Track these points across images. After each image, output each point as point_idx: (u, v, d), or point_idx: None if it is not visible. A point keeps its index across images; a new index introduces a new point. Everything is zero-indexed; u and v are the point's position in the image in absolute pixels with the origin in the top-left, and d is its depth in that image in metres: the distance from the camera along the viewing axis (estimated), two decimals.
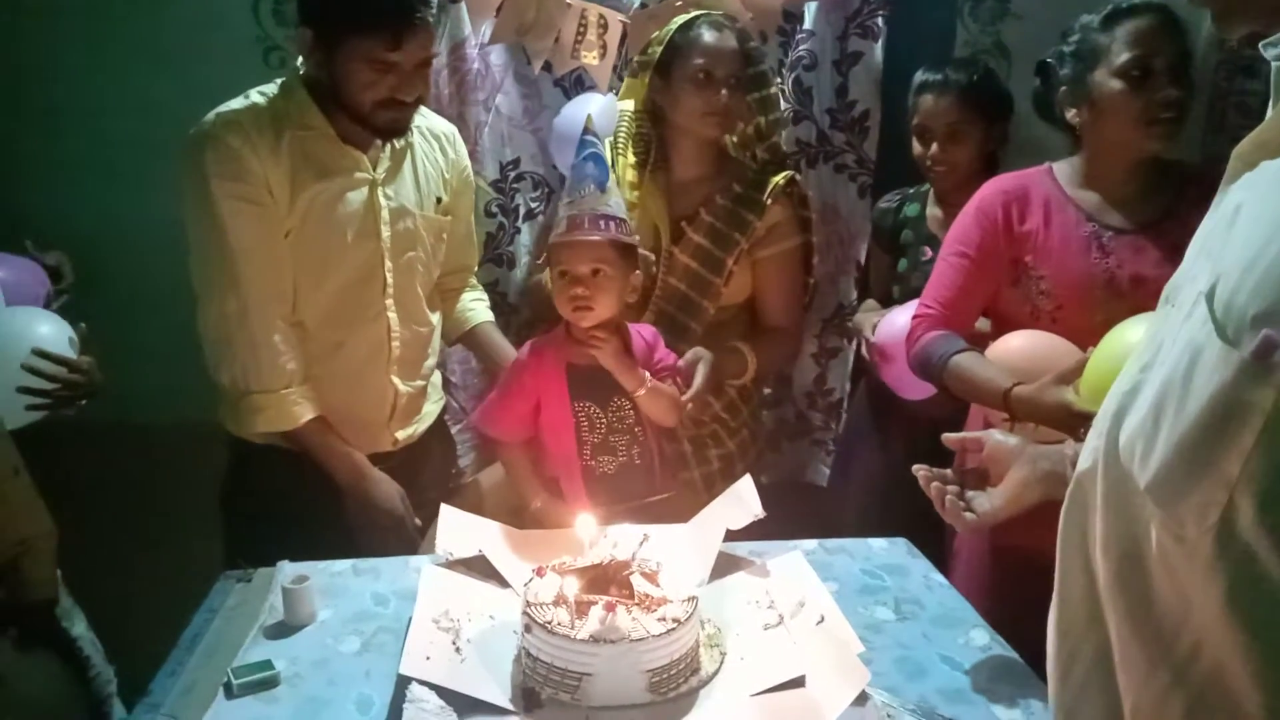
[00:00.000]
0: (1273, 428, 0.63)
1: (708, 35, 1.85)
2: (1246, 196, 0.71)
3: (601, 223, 1.51)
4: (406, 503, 1.74)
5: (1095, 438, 0.80)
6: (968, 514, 1.20)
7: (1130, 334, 1.34)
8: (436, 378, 1.96)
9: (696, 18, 1.89)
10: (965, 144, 2.13)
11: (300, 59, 1.68)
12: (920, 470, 1.24)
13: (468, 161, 1.93)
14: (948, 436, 1.29)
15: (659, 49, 1.89)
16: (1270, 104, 0.75)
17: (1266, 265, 0.65)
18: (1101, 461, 0.78)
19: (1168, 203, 1.63)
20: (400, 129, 1.67)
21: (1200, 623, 0.69)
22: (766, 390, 2.53)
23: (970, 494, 1.21)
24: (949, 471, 1.24)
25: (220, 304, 1.63)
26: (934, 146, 2.14)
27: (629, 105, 2.00)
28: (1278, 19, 0.75)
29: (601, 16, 2.22)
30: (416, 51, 1.58)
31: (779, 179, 1.95)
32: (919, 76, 2.20)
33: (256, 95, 1.66)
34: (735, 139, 2.01)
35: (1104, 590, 0.78)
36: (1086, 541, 0.80)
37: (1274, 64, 0.75)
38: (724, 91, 1.82)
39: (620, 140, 1.95)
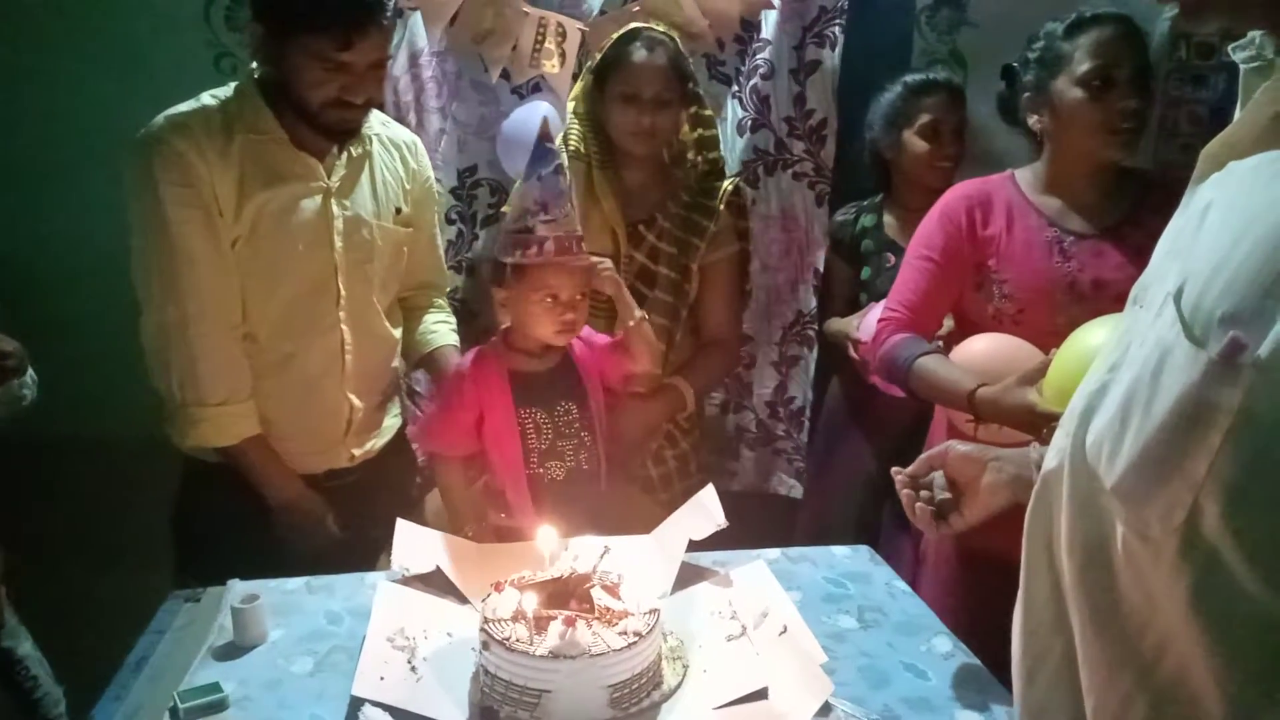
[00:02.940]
0: (1239, 429, 0.63)
1: (638, 54, 1.84)
2: (1215, 197, 0.71)
3: (582, 246, 1.52)
4: (336, 534, 1.70)
5: (1062, 437, 0.80)
6: (938, 521, 1.19)
7: (1092, 336, 1.34)
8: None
9: (636, 32, 1.87)
10: (963, 141, 2.21)
11: (253, 60, 1.64)
12: (897, 474, 1.23)
13: (430, 172, 1.89)
14: (896, 472, 1.26)
15: (598, 56, 1.89)
16: (1238, 105, 0.76)
17: (1234, 266, 0.65)
18: (1068, 461, 0.78)
19: (1128, 208, 1.65)
20: (350, 130, 1.64)
21: (1164, 623, 0.69)
22: (725, 398, 2.53)
23: (940, 500, 1.21)
24: (930, 477, 1.23)
25: (159, 312, 1.59)
26: (949, 144, 2.19)
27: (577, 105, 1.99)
28: (1243, 16, 0.75)
29: (560, 24, 2.21)
30: (368, 52, 1.55)
31: (726, 185, 1.96)
32: (918, 78, 2.24)
33: (208, 98, 1.62)
34: (675, 146, 1.99)
35: (1068, 590, 0.77)
36: (1052, 541, 0.80)
37: (1242, 66, 0.75)
38: (650, 112, 1.82)
39: (572, 143, 1.94)
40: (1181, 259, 0.71)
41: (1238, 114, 0.75)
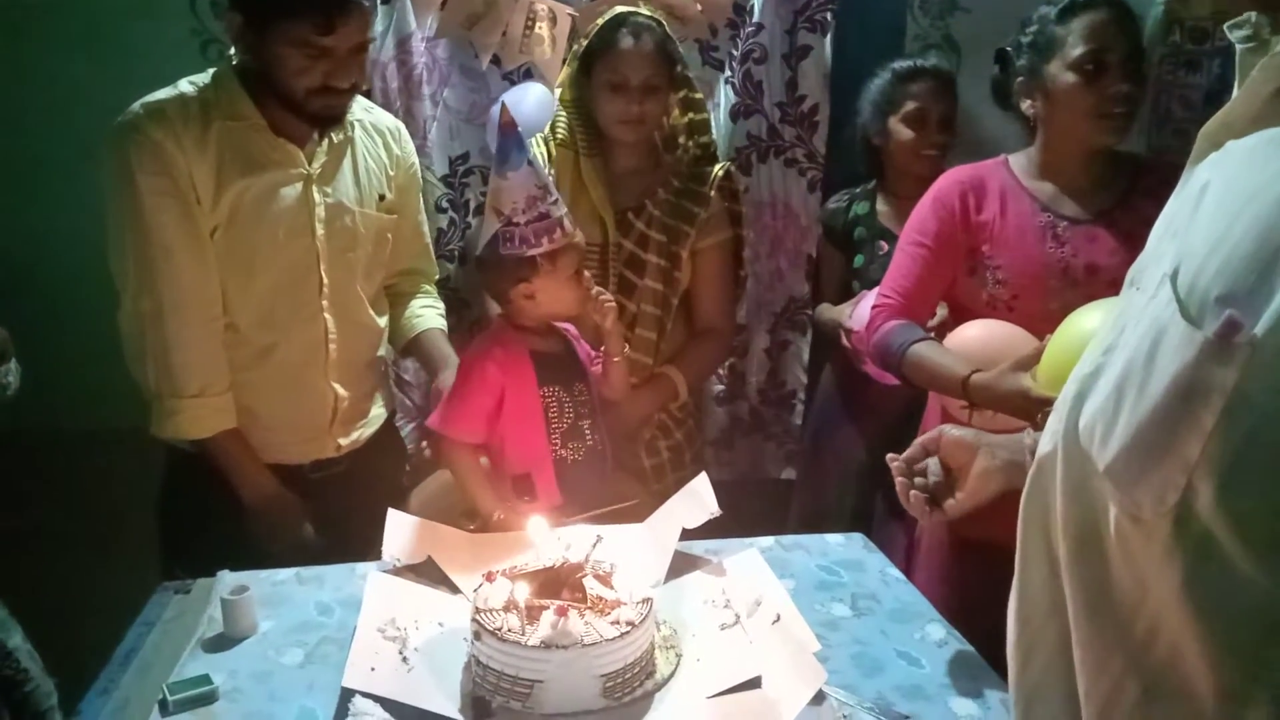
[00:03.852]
0: (1233, 409, 0.62)
1: (625, 41, 1.81)
2: (1213, 177, 0.70)
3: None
4: (310, 535, 1.69)
5: (1056, 421, 0.80)
6: (932, 507, 1.19)
7: (1086, 320, 1.34)
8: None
9: (622, 17, 1.85)
10: (952, 129, 2.19)
11: (233, 48, 1.62)
12: (892, 460, 1.22)
13: (415, 157, 1.87)
14: (891, 458, 1.25)
15: (585, 42, 1.86)
16: (1235, 85, 0.75)
17: (1231, 246, 0.64)
18: (1061, 445, 0.77)
19: (1121, 193, 1.64)
20: (336, 117, 1.62)
21: (1156, 607, 0.69)
22: (720, 387, 2.52)
23: (933, 485, 1.20)
24: (925, 462, 1.22)
25: (136, 302, 1.58)
26: (933, 133, 2.17)
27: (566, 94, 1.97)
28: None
29: (550, 10, 2.19)
30: (350, 36, 1.53)
31: (717, 170, 1.94)
32: (905, 65, 2.22)
33: (186, 85, 1.60)
34: (665, 129, 1.96)
35: (1063, 574, 0.77)
36: (1048, 526, 0.79)
37: (1238, 45, 0.75)
38: (638, 100, 1.80)
39: (560, 130, 1.92)
40: (1178, 240, 0.71)
41: (1235, 93, 0.74)
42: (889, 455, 1.24)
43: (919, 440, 1.24)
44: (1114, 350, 0.74)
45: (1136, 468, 0.68)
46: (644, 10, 1.91)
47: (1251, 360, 0.61)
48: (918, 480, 1.20)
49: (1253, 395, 0.62)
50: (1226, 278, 0.64)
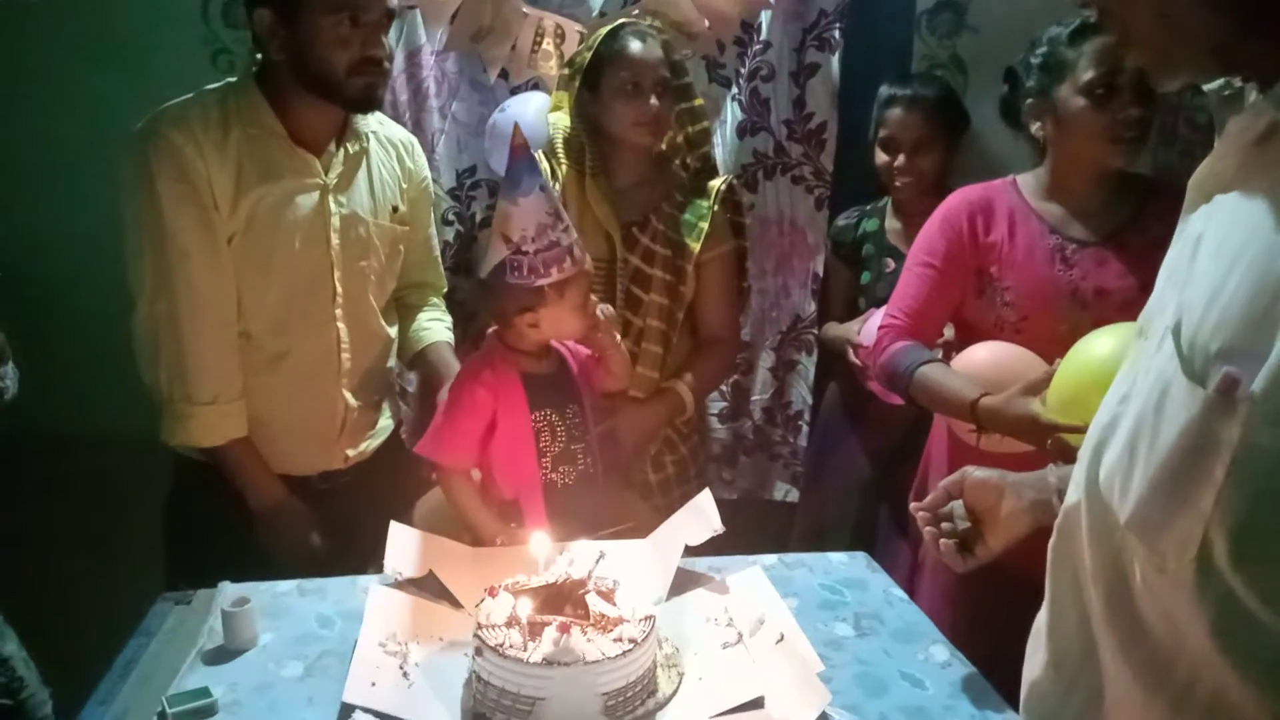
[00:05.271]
0: (1241, 461, 0.63)
1: (633, 46, 1.82)
2: (1206, 229, 0.71)
3: None
4: (318, 544, 1.68)
5: (1079, 471, 0.80)
6: (964, 554, 1.18)
7: (1097, 346, 1.33)
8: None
9: (621, 26, 1.85)
10: (931, 156, 2.17)
11: (256, 55, 1.62)
12: (916, 509, 1.21)
13: (427, 171, 1.89)
14: (916, 508, 1.24)
15: (587, 54, 1.86)
16: (1216, 135, 0.76)
17: (1225, 302, 0.65)
18: (1084, 495, 0.78)
19: (1130, 215, 1.63)
20: (373, 98, 1.62)
21: (1193, 652, 0.69)
22: (723, 404, 2.52)
23: (963, 530, 1.19)
24: (949, 507, 1.21)
25: (151, 307, 1.58)
26: (900, 158, 2.16)
27: (560, 114, 1.96)
28: (1207, 72, 0.77)
29: (558, 26, 2.19)
30: None
31: (719, 183, 1.94)
32: (886, 90, 2.22)
33: (206, 92, 1.62)
34: (664, 146, 1.97)
35: (1095, 622, 0.77)
36: (1077, 575, 0.79)
37: (1214, 97, 0.76)
38: (653, 100, 1.81)
39: (558, 149, 1.92)
40: (1178, 290, 0.71)
41: (1216, 144, 0.75)
42: (913, 505, 1.23)
43: (942, 484, 1.22)
44: (1128, 400, 0.75)
45: (1155, 519, 0.68)
46: (646, 23, 1.91)
47: (1254, 414, 0.62)
48: (945, 527, 1.19)
49: (1261, 447, 0.62)
50: (1225, 332, 0.65)
